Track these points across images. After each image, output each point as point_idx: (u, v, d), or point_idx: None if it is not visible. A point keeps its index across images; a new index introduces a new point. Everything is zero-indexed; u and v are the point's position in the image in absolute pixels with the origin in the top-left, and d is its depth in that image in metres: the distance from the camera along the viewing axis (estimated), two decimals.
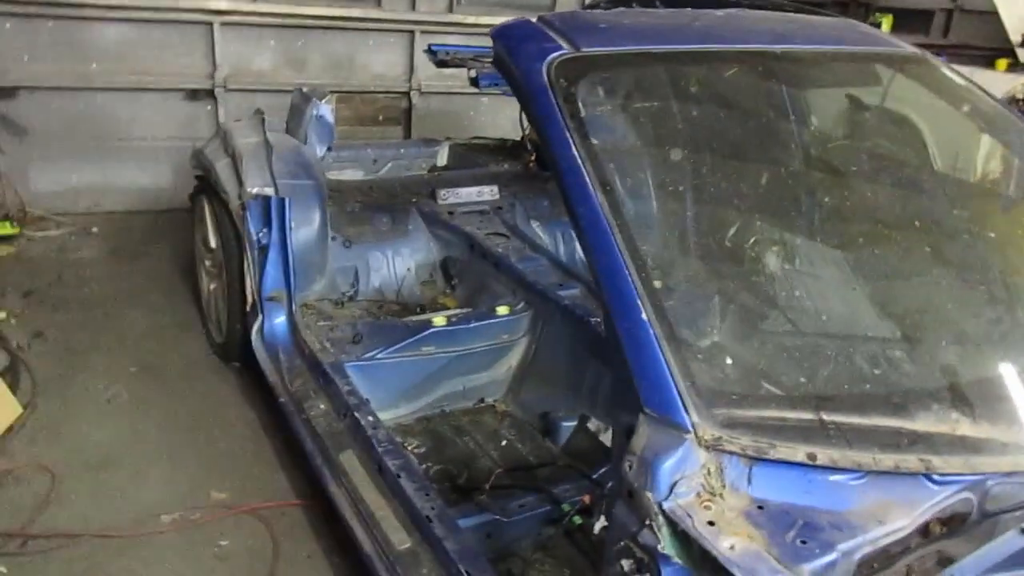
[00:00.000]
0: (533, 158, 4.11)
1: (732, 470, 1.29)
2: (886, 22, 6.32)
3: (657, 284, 1.47)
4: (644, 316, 1.42)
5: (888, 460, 1.32)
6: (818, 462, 1.30)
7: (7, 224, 4.42)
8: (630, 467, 1.31)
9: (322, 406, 2.61)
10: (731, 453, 1.29)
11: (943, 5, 7.09)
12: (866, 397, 1.46)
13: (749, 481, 1.29)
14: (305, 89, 3.49)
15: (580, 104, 1.72)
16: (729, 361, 1.47)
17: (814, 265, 1.72)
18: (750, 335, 1.59)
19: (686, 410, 1.32)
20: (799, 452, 1.30)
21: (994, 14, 5.91)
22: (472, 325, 2.90)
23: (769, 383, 1.44)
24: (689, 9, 2.20)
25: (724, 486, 1.28)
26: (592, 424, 2.73)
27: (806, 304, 1.65)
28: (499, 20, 2.00)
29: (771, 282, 1.72)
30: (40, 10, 4.49)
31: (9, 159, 4.68)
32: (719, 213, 1.76)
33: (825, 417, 1.37)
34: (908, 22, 6.69)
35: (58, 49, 4.62)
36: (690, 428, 1.30)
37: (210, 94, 5.03)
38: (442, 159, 4.40)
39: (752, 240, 1.74)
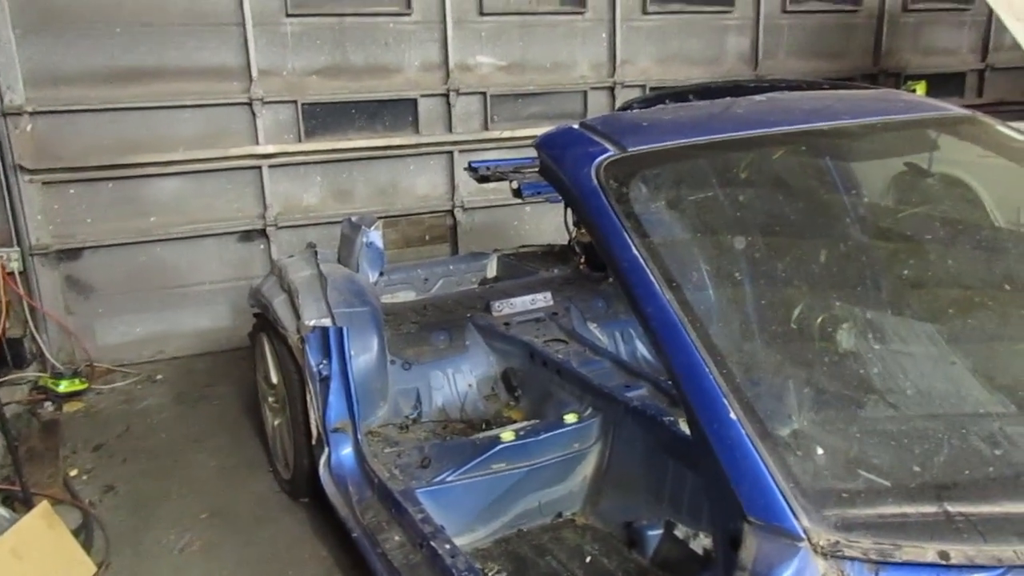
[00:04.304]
0: (583, 260, 4.10)
1: None
2: (920, 88, 6.31)
3: (739, 378, 1.39)
4: (732, 415, 1.33)
5: None
6: (952, 561, 1.17)
7: (76, 381, 4.53)
8: None
9: (397, 538, 2.51)
10: (853, 559, 1.17)
11: (974, 66, 7.13)
12: (991, 482, 1.33)
13: None
14: (354, 218, 3.56)
15: (633, 203, 1.69)
16: (831, 455, 1.36)
17: (905, 341, 1.61)
18: (850, 424, 1.48)
19: (795, 515, 1.21)
20: (929, 551, 1.17)
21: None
22: (542, 437, 2.80)
23: (879, 475, 1.32)
24: (728, 98, 2.19)
25: None
26: (680, 531, 2.57)
27: (904, 384, 1.53)
28: (533, 132, 2.02)
29: (861, 364, 1.61)
30: (101, 173, 4.73)
31: (76, 318, 4.85)
32: (793, 297, 1.68)
33: (950, 508, 1.24)
34: (942, 86, 6.71)
35: (118, 207, 4.84)
36: (803, 534, 1.19)
37: (262, 233, 5.19)
38: (491, 271, 4.42)
39: (833, 321, 1.65)
